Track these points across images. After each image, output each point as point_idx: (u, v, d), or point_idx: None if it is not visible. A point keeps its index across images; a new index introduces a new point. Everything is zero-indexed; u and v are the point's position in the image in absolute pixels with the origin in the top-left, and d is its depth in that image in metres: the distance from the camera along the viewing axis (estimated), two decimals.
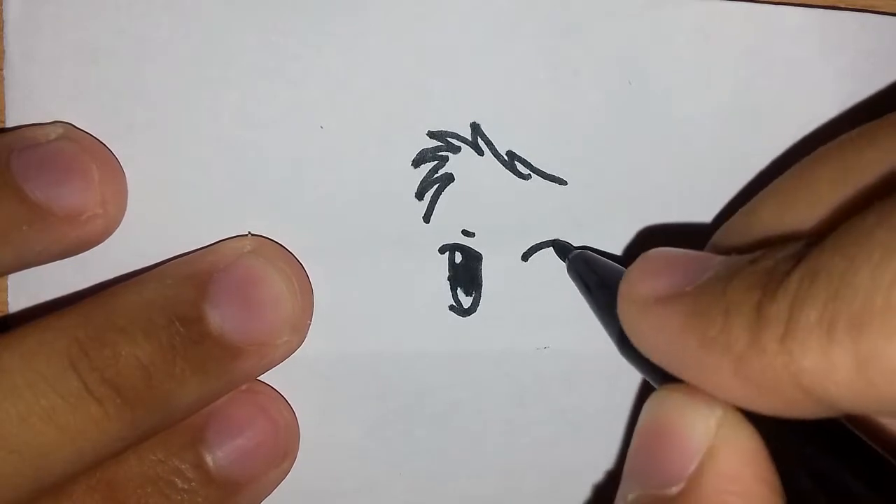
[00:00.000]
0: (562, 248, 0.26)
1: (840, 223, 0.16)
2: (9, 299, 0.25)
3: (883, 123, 0.21)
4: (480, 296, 0.27)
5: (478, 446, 0.27)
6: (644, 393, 0.27)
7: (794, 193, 0.22)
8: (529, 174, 0.26)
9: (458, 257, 0.26)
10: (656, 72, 0.25)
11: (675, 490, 0.18)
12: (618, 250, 0.26)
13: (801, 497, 0.17)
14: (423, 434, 0.27)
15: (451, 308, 0.27)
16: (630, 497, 0.19)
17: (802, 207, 0.21)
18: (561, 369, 0.27)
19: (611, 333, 0.22)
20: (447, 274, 0.26)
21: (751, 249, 0.18)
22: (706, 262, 0.19)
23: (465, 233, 0.26)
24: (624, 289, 0.20)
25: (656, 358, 0.19)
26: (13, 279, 0.25)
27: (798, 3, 0.25)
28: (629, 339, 0.20)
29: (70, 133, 0.24)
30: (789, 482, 0.17)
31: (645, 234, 0.26)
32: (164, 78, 0.25)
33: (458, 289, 0.27)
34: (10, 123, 0.25)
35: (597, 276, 0.24)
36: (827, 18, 0.25)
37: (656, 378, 0.20)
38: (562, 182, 0.26)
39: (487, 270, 0.27)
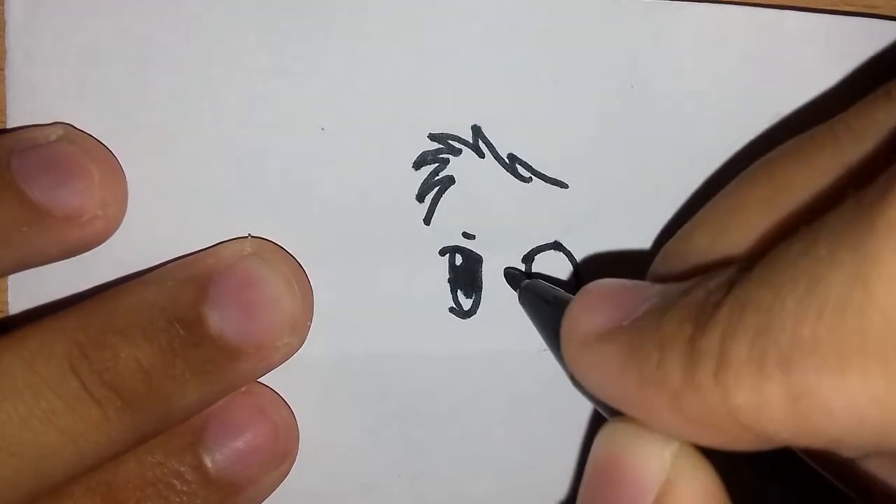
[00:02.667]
0: (511, 276, 0.26)
1: (772, 246, 0.16)
2: (9, 300, 0.25)
3: (815, 136, 0.21)
4: (481, 298, 0.27)
5: (477, 448, 0.27)
6: None
7: (726, 217, 0.22)
8: (530, 177, 0.26)
9: (459, 259, 0.26)
10: (658, 75, 0.25)
11: None
12: (618, 254, 0.26)
13: None
14: (422, 436, 0.27)
15: (452, 310, 0.27)
16: None
17: (735, 231, 0.21)
18: (560, 372, 0.27)
19: (563, 366, 0.21)
20: (447, 276, 0.26)
21: (688, 276, 0.18)
22: (644, 291, 0.19)
23: (466, 235, 0.26)
24: (565, 327, 0.20)
25: (600, 394, 0.19)
26: (13, 280, 0.25)
27: (800, 6, 0.25)
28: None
29: (70, 134, 0.24)
30: None
31: (645, 236, 0.26)
32: (165, 79, 0.25)
33: (459, 291, 0.27)
34: (11, 123, 0.25)
35: (546, 306, 0.23)
36: (828, 22, 0.25)
37: (608, 412, 0.20)
38: (563, 185, 0.26)
39: (488, 273, 0.27)
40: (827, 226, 0.15)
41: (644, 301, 0.18)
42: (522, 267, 0.27)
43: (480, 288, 0.27)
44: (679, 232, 0.23)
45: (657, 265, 0.23)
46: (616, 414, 0.19)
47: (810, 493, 0.17)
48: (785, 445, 0.16)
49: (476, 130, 0.26)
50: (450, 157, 0.26)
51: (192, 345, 0.23)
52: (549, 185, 0.26)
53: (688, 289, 0.17)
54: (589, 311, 0.19)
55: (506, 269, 0.26)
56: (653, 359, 0.17)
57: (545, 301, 0.24)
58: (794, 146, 0.21)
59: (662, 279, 0.20)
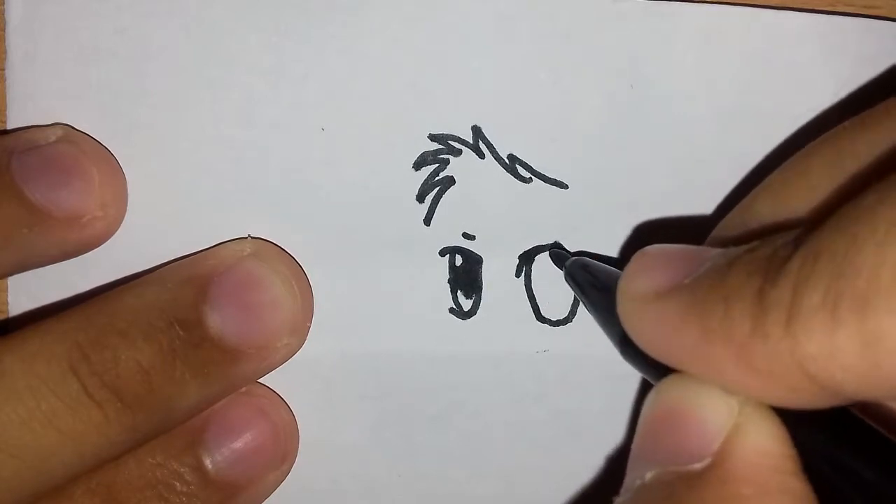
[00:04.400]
0: (557, 256, 0.26)
1: (838, 208, 0.16)
2: (9, 301, 0.26)
3: (875, 111, 0.21)
4: (480, 299, 0.27)
5: (477, 448, 0.27)
6: (645, 394, 0.27)
7: (789, 184, 0.21)
8: (530, 177, 0.26)
9: (459, 260, 0.26)
10: (658, 76, 0.25)
11: (699, 466, 0.17)
12: (618, 253, 0.26)
13: (817, 483, 0.17)
14: (422, 436, 0.27)
15: (452, 311, 0.27)
16: (648, 476, 0.18)
17: (798, 197, 0.21)
18: (560, 372, 0.27)
19: (611, 336, 0.22)
20: (447, 276, 0.26)
21: (748, 241, 0.18)
22: (704, 254, 0.19)
23: (466, 236, 0.26)
24: (622, 286, 0.20)
25: (658, 354, 0.19)
26: (13, 281, 0.25)
27: (799, 7, 0.25)
28: (630, 341, 0.20)
29: (70, 135, 0.24)
30: (806, 469, 0.17)
31: (646, 237, 0.26)
32: (165, 79, 0.25)
33: (459, 291, 0.27)
34: (11, 124, 0.25)
35: (594, 279, 0.24)
36: (828, 22, 0.25)
37: (660, 378, 0.20)
38: (563, 185, 0.26)
39: (488, 273, 0.27)
40: None
41: (703, 262, 0.18)
42: (523, 267, 0.27)
43: (480, 288, 0.27)
44: (741, 202, 0.23)
45: (716, 233, 0.23)
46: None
47: (869, 452, 0.17)
48: (849, 402, 0.16)
49: (476, 131, 0.26)
50: (450, 157, 0.26)
51: (192, 346, 0.23)
52: (549, 185, 0.26)
53: (752, 247, 0.17)
54: (647, 272, 0.19)
55: (552, 248, 0.26)
56: (718, 311, 0.17)
57: (591, 274, 0.24)
58: (858, 118, 0.21)
59: (723, 244, 0.19)
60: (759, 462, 0.17)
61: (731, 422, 0.17)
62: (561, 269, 0.26)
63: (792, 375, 0.16)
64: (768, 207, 0.22)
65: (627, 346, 0.20)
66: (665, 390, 0.19)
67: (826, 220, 0.16)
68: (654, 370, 0.20)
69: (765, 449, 0.17)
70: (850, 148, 0.20)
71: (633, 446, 0.19)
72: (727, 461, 0.17)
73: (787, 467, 0.17)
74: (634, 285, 0.19)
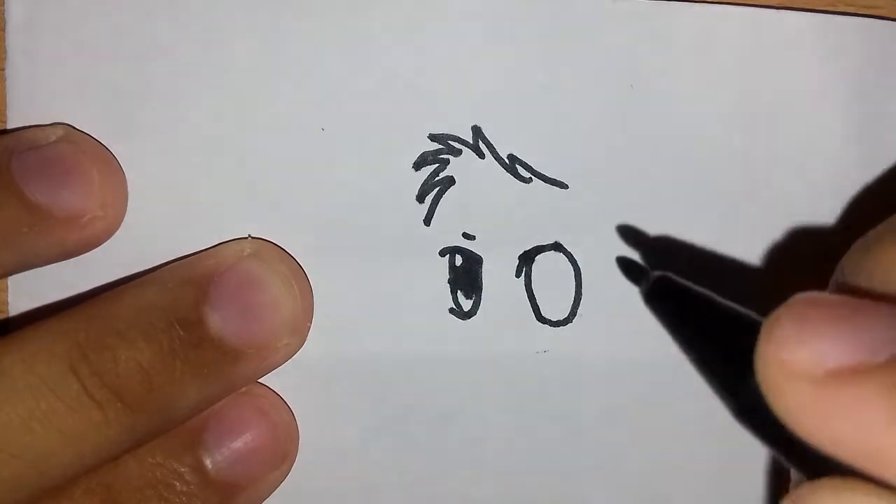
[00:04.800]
0: (628, 266, 0.22)
1: None
2: (9, 301, 0.25)
3: None
4: (481, 299, 0.27)
5: (477, 449, 0.27)
6: (647, 395, 0.27)
7: None
8: (530, 177, 0.26)
9: (459, 260, 0.26)
10: (657, 75, 0.25)
11: None
12: (618, 254, 0.26)
13: None
14: (422, 437, 0.27)
15: (452, 311, 0.27)
16: None
17: None
18: (560, 373, 0.27)
19: (723, 397, 0.17)
20: (447, 277, 0.26)
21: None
22: (878, 315, 0.15)
23: (466, 236, 0.26)
24: (772, 355, 0.15)
25: (835, 450, 0.15)
26: (13, 281, 0.25)
27: (799, 7, 0.25)
28: (753, 407, 0.16)
29: (70, 135, 0.24)
30: None
31: (646, 237, 0.26)
32: (165, 79, 0.25)
33: (459, 292, 0.27)
34: (11, 124, 0.25)
35: (698, 315, 0.19)
36: (828, 23, 0.25)
37: (800, 460, 0.16)
38: (563, 185, 0.26)
39: (488, 273, 0.27)
40: None
41: (889, 327, 0.15)
42: (523, 268, 0.27)
43: (481, 289, 0.27)
44: (862, 240, 0.19)
45: (844, 276, 0.19)
46: (819, 467, 0.15)
47: None
48: None
49: (476, 131, 0.26)
50: (450, 157, 0.26)
51: (192, 346, 0.23)
52: (549, 185, 0.26)
53: None
54: (813, 338, 0.15)
55: (619, 258, 0.24)
56: None
57: (695, 305, 0.19)
58: None
59: (862, 292, 0.16)
60: None
61: None
62: (637, 285, 0.21)
63: None
64: None
65: (750, 415, 0.17)
66: (829, 500, 0.15)
67: None
68: (788, 450, 0.16)
69: None
70: None
71: None
72: None
73: None
74: (797, 355, 0.15)
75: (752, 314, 0.17)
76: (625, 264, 0.23)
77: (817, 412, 0.15)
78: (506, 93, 0.25)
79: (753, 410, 0.16)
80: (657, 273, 0.20)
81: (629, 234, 0.26)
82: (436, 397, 0.27)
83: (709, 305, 0.18)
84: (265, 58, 0.25)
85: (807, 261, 0.26)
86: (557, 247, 0.26)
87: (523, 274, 0.27)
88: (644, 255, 0.26)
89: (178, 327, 0.23)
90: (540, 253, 0.27)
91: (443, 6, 0.25)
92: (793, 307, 0.16)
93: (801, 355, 0.15)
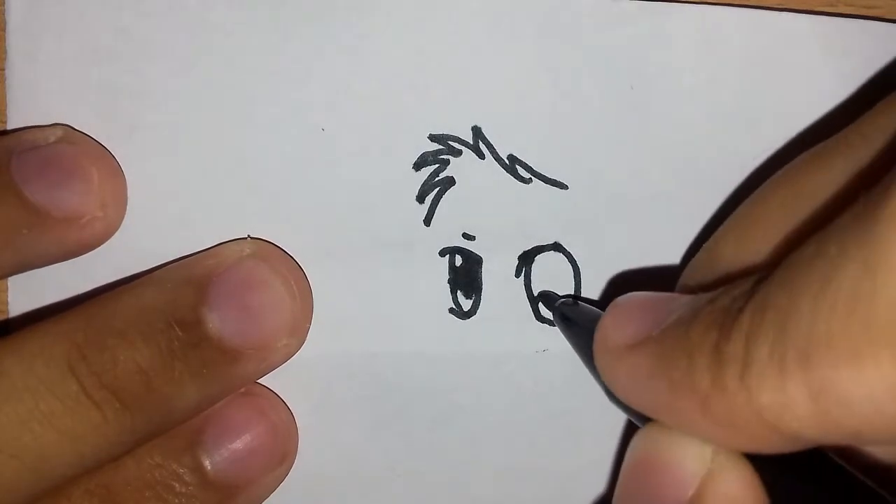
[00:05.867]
0: (547, 297, 0.27)
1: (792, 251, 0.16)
2: (9, 301, 0.26)
3: (831, 145, 0.21)
4: (480, 299, 0.27)
5: (476, 449, 0.27)
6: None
7: (749, 226, 0.22)
8: (530, 178, 0.26)
9: (459, 260, 0.26)
10: (658, 76, 0.25)
11: None
12: (619, 254, 0.26)
13: None
14: (421, 436, 0.27)
15: (451, 311, 0.27)
16: None
17: (758, 239, 0.21)
18: (560, 372, 0.27)
19: (598, 381, 0.22)
20: (447, 277, 0.26)
21: (715, 286, 0.18)
22: (672, 304, 0.19)
23: (466, 236, 0.26)
24: (598, 338, 0.20)
25: (632, 403, 0.20)
26: (13, 281, 0.25)
27: (799, 8, 0.25)
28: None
29: (70, 136, 0.25)
30: None
31: (646, 238, 0.26)
32: (165, 79, 0.25)
33: (459, 292, 0.27)
34: (11, 124, 0.25)
35: (581, 324, 0.24)
36: (827, 23, 0.25)
37: (641, 422, 0.21)
38: (563, 186, 0.26)
39: (488, 273, 0.27)
40: (837, 226, 0.16)
41: (672, 312, 0.19)
42: (522, 267, 0.27)
43: (480, 289, 0.27)
44: (705, 244, 0.23)
45: (685, 277, 0.23)
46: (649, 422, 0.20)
47: (847, 496, 0.18)
48: (812, 446, 0.17)
49: (476, 131, 0.26)
50: (450, 158, 0.26)
51: (191, 346, 0.23)
52: (548, 185, 0.26)
53: (713, 297, 0.18)
54: (619, 324, 0.20)
55: (540, 292, 0.27)
56: (681, 366, 0.17)
57: (578, 320, 0.24)
58: (811, 154, 0.22)
59: (691, 290, 0.20)
60: None
61: (705, 469, 0.18)
62: (550, 311, 0.26)
63: (752, 425, 0.16)
64: (731, 250, 0.22)
65: (610, 393, 0.21)
66: (642, 439, 0.19)
67: (774, 272, 0.16)
68: (637, 415, 0.21)
69: (737, 494, 0.18)
70: (806, 188, 0.21)
71: (615, 493, 0.20)
72: None
73: None
74: (607, 338, 0.20)
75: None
76: (543, 295, 0.27)
77: (616, 376, 0.20)
78: (506, 93, 0.25)
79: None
80: (561, 300, 0.26)
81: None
82: (435, 397, 0.27)
83: (591, 318, 0.23)
84: (265, 58, 0.25)
85: None
86: (557, 247, 0.26)
87: (523, 274, 0.27)
88: (644, 255, 0.26)
89: (177, 328, 0.23)
90: (540, 253, 0.27)
91: (443, 6, 0.25)
92: (614, 304, 0.21)
93: (610, 335, 0.20)
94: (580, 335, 0.24)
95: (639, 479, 0.19)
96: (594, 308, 0.24)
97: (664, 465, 0.18)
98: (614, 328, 0.20)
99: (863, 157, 0.20)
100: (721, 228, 0.23)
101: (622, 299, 0.21)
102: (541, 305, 0.27)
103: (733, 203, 0.26)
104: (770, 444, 0.17)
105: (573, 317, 0.25)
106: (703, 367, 0.17)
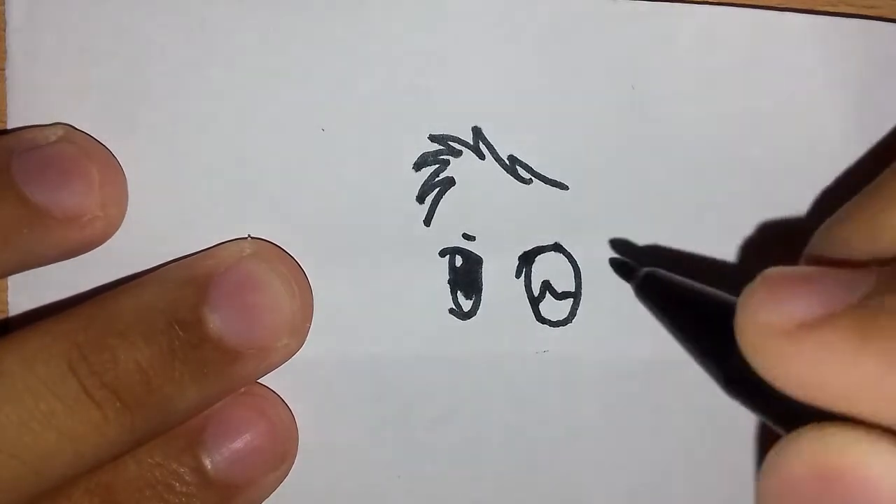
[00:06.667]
0: (621, 266, 0.24)
1: None
2: (9, 301, 0.25)
3: None
4: (480, 299, 0.27)
5: (476, 450, 0.27)
6: (647, 395, 0.27)
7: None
8: (531, 178, 0.26)
9: (459, 261, 0.26)
10: (659, 77, 0.25)
11: None
12: (619, 255, 0.26)
13: None
14: (421, 437, 0.27)
15: (451, 311, 0.27)
16: None
17: None
18: (561, 373, 0.27)
19: (711, 372, 0.19)
20: (447, 277, 0.26)
21: (874, 255, 0.17)
22: (845, 277, 0.17)
23: (466, 236, 0.26)
24: (750, 318, 0.17)
25: (811, 395, 0.16)
26: (13, 281, 0.25)
27: (801, 8, 0.25)
28: (740, 377, 0.17)
29: (70, 135, 0.24)
30: None
31: (646, 238, 0.26)
32: (165, 79, 0.25)
33: (459, 292, 0.27)
34: (11, 124, 0.25)
35: (684, 300, 0.21)
36: (828, 23, 0.25)
37: (786, 418, 0.17)
38: (563, 187, 0.26)
39: (488, 274, 0.27)
40: None
41: (857, 284, 0.16)
42: (523, 268, 0.27)
43: (480, 289, 0.27)
44: (837, 214, 0.21)
45: (812, 247, 0.21)
46: (801, 423, 0.16)
47: None
48: None
49: (476, 132, 0.26)
50: (450, 158, 0.26)
51: (191, 346, 0.23)
52: (549, 186, 0.26)
53: None
54: (783, 299, 0.17)
55: (611, 259, 0.25)
56: None
57: (680, 293, 0.21)
58: None
59: (828, 263, 0.18)
60: None
61: None
62: (628, 282, 0.23)
63: None
64: (880, 216, 0.19)
65: (736, 385, 0.18)
66: (814, 442, 0.16)
67: None
68: (774, 411, 0.18)
69: None
70: None
71: None
72: None
73: None
74: (771, 315, 0.17)
75: (732, 297, 0.18)
76: (616, 263, 0.24)
77: (791, 362, 0.16)
78: (506, 93, 0.25)
79: (739, 380, 0.18)
80: (646, 269, 0.22)
81: (626, 241, 0.26)
82: (436, 397, 0.27)
83: (693, 293, 0.20)
84: (265, 58, 0.25)
85: None
86: (557, 247, 0.26)
87: (523, 274, 0.27)
88: (644, 255, 0.26)
89: (177, 328, 0.23)
90: (540, 253, 0.26)
91: (443, 6, 0.25)
92: (764, 278, 0.17)
93: (773, 315, 0.17)
94: (685, 314, 0.20)
95: (807, 497, 0.15)
96: (695, 283, 0.21)
97: (850, 477, 0.15)
98: (773, 306, 0.17)
99: None
100: (866, 192, 0.20)
101: (772, 271, 0.17)
102: (541, 306, 0.27)
103: (733, 203, 0.26)
104: None
105: (672, 289, 0.21)
106: None
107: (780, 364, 0.16)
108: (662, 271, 0.22)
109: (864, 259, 0.19)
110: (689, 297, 0.20)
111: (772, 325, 0.16)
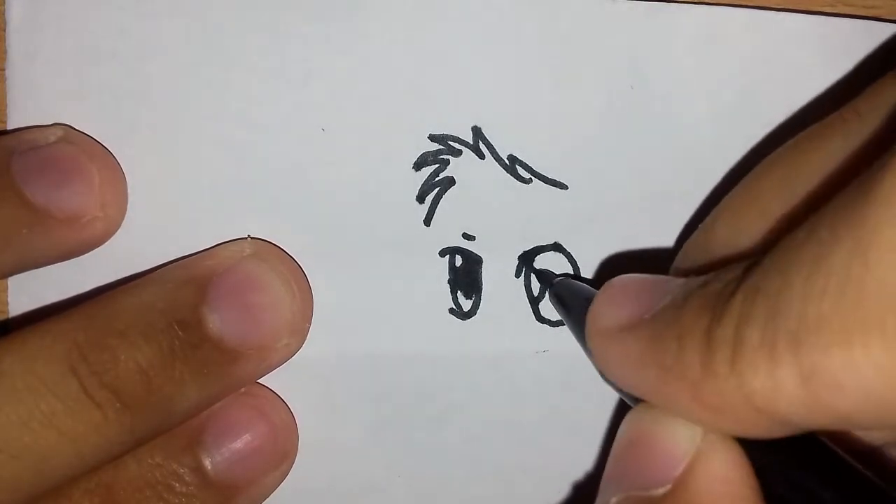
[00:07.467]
0: (542, 275, 0.26)
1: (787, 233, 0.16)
2: (9, 301, 0.26)
3: (825, 124, 0.21)
4: (480, 299, 0.27)
5: (476, 449, 0.27)
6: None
7: (743, 207, 0.22)
8: (530, 178, 0.26)
9: (459, 260, 0.26)
10: (658, 76, 0.25)
11: (661, 491, 0.18)
12: (618, 253, 0.26)
13: None
14: (421, 437, 0.27)
15: (451, 311, 0.27)
16: (613, 500, 0.19)
17: (752, 221, 0.21)
18: (560, 372, 0.27)
19: (592, 362, 0.22)
20: (447, 277, 0.26)
21: (709, 269, 0.18)
22: (665, 286, 0.19)
23: (466, 236, 0.26)
24: (590, 319, 0.20)
25: (623, 385, 0.20)
26: (13, 281, 0.25)
27: (799, 9, 0.25)
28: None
29: (70, 135, 0.25)
30: (766, 493, 0.18)
31: (646, 238, 0.26)
32: (165, 79, 0.25)
33: (459, 292, 0.27)
34: (11, 124, 0.25)
35: (579, 304, 0.24)
36: (827, 24, 0.25)
37: (634, 402, 0.21)
38: (563, 186, 0.26)
39: (487, 274, 0.27)
40: (830, 208, 0.15)
41: (665, 295, 0.19)
42: (522, 268, 0.27)
43: (480, 289, 0.27)
44: (699, 226, 0.23)
45: (680, 260, 0.23)
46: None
47: (837, 479, 0.17)
48: (803, 430, 0.17)
49: (476, 131, 0.26)
50: (450, 158, 0.26)
51: (191, 347, 0.23)
52: (549, 186, 0.26)
53: (705, 281, 0.18)
54: (612, 305, 0.20)
55: (537, 269, 0.26)
56: (672, 349, 0.17)
57: (574, 299, 0.24)
58: (806, 134, 0.22)
59: (685, 273, 0.20)
60: (719, 489, 0.17)
61: (693, 449, 0.18)
62: (546, 289, 0.26)
63: (741, 410, 0.16)
64: (725, 232, 0.22)
65: (605, 376, 0.21)
66: (633, 418, 0.19)
67: (766, 256, 0.16)
68: (629, 395, 0.21)
69: (725, 476, 0.18)
70: (800, 169, 0.21)
71: (605, 471, 0.20)
72: (688, 487, 0.18)
73: (745, 494, 0.17)
74: (601, 319, 0.20)
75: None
76: (539, 274, 0.27)
77: (608, 357, 0.20)
78: (506, 93, 0.26)
79: None
80: (558, 279, 0.26)
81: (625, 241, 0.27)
82: (435, 397, 0.27)
83: (585, 298, 0.22)
84: (265, 58, 0.25)
85: None
86: (557, 247, 0.26)
87: (523, 274, 0.27)
88: (643, 255, 0.26)
89: (177, 328, 0.23)
90: (540, 253, 0.27)
91: (443, 6, 0.25)
92: (607, 285, 0.21)
93: (604, 319, 0.20)
94: (574, 315, 0.24)
95: (628, 457, 0.19)
96: (590, 287, 0.24)
97: (653, 444, 0.18)
98: (607, 309, 0.20)
99: (858, 135, 0.20)
100: (715, 210, 0.23)
101: (616, 280, 0.21)
102: (541, 305, 0.27)
103: None
104: (760, 429, 0.17)
105: (568, 296, 0.25)
106: (693, 352, 0.17)
107: (602, 359, 0.20)
108: (573, 281, 0.25)
109: (727, 256, 0.21)
110: (582, 300, 0.23)
111: (600, 327, 0.20)
